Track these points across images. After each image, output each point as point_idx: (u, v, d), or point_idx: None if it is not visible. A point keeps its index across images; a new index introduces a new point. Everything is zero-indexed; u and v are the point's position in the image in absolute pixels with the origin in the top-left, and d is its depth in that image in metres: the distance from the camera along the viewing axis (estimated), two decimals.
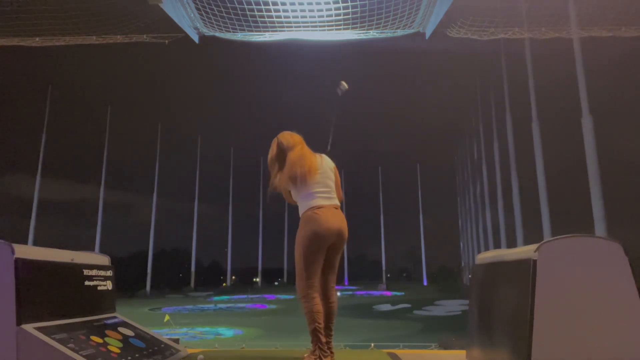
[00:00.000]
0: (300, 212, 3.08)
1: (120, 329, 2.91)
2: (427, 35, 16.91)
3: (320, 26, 16.52)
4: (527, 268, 2.05)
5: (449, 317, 18.20)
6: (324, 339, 2.89)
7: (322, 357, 2.85)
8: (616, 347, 1.92)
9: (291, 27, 16.55)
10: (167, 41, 18.00)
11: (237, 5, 15.45)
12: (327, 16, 15.94)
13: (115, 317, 3.09)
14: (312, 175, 3.04)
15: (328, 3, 15.31)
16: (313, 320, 2.88)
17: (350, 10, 15.62)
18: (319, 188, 3.07)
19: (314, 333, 2.88)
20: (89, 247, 26.63)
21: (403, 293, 31.08)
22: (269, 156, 3.18)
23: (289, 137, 3.16)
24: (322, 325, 2.90)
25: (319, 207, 3.01)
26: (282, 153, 3.11)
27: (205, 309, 22.24)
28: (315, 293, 2.95)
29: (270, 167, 3.18)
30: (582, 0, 14.22)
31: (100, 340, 2.55)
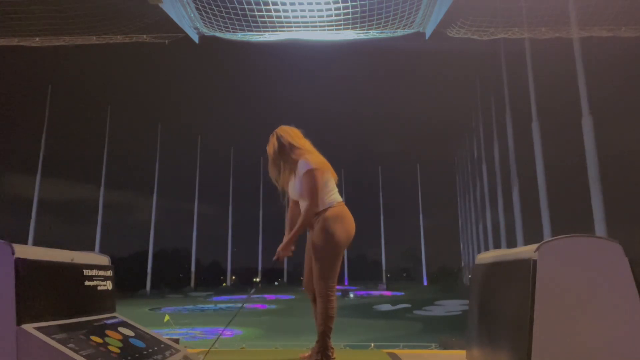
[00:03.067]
0: (322, 206, 2.90)
1: (120, 329, 2.91)
2: (427, 35, 16.92)
3: (320, 26, 16.53)
4: (527, 268, 2.05)
5: (449, 317, 18.20)
6: (331, 344, 2.84)
7: (325, 359, 2.82)
8: (616, 347, 1.92)
9: (291, 27, 16.55)
10: (167, 41, 17.99)
11: (237, 5, 15.46)
12: (327, 16, 15.94)
13: (115, 317, 3.09)
14: (333, 171, 3.01)
15: (328, 3, 15.31)
16: (325, 323, 2.80)
17: (350, 10, 15.63)
18: (335, 186, 3.02)
19: (323, 335, 2.81)
20: (89, 247, 26.61)
21: (403, 293, 31.10)
22: (271, 151, 3.04)
23: (290, 132, 3.05)
24: (332, 329, 2.83)
25: (343, 203, 2.95)
26: (283, 148, 3.00)
27: (205, 309, 22.24)
28: (334, 295, 2.84)
29: (273, 162, 3.06)
30: (582, 0, 14.22)
31: (100, 340, 2.55)
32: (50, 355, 2.18)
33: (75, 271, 2.78)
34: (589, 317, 1.95)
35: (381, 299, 26.37)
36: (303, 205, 2.94)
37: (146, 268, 33.56)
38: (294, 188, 2.99)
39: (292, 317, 17.76)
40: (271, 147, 3.05)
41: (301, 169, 2.90)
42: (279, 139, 3.02)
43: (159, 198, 35.51)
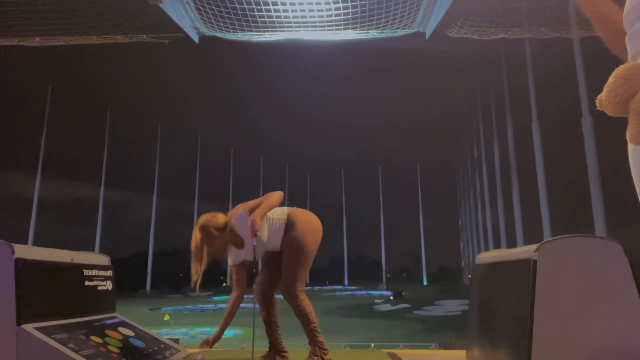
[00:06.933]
0: (278, 214, 3.04)
1: (120, 329, 2.91)
2: (427, 35, 16.90)
3: (320, 26, 16.51)
4: (527, 268, 2.05)
5: (449, 317, 18.19)
6: (321, 338, 2.90)
7: (323, 356, 2.85)
8: (616, 347, 1.92)
9: (291, 27, 16.54)
10: (167, 41, 17.97)
11: (237, 5, 15.44)
12: (327, 16, 15.92)
13: (115, 317, 3.09)
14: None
15: (328, 3, 15.29)
16: (310, 321, 2.90)
17: (350, 10, 15.60)
18: None
19: (312, 333, 2.90)
20: (89, 247, 26.62)
21: (403, 293, 31.07)
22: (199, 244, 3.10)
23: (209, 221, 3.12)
24: (317, 325, 2.92)
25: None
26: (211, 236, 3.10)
27: (205, 309, 22.23)
28: (304, 295, 2.99)
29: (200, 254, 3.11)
30: None
31: (100, 340, 2.55)
32: (50, 355, 2.18)
33: (75, 271, 2.78)
34: (589, 317, 1.95)
35: (381, 299, 26.36)
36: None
37: (146, 268, 33.56)
38: (236, 253, 3.13)
39: (292, 317, 17.74)
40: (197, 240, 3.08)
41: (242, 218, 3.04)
42: (203, 230, 3.04)
43: (159, 198, 35.55)
